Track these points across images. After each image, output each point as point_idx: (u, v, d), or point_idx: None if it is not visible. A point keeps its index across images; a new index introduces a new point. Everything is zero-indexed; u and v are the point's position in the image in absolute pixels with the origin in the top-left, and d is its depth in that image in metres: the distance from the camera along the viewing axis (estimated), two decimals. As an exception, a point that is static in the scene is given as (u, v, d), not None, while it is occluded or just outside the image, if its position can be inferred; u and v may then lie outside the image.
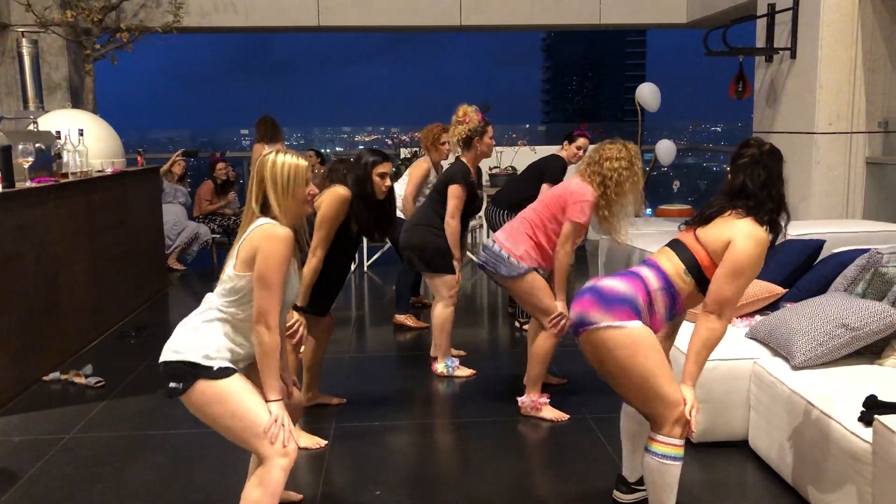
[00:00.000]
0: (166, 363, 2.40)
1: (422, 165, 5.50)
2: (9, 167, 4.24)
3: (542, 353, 3.79)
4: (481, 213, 6.22)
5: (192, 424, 3.62)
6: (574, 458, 3.43)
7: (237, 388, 2.36)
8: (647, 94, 8.04)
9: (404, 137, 9.36)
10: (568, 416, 3.82)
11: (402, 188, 5.59)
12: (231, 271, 2.41)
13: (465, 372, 4.49)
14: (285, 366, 2.62)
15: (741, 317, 3.82)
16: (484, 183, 6.90)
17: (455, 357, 4.59)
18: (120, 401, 4.18)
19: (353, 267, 7.65)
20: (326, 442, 3.55)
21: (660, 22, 8.84)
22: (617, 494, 2.92)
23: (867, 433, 2.51)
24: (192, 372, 2.35)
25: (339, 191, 3.49)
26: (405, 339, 5.37)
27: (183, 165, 8.09)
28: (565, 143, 5.29)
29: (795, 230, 4.30)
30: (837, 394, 2.79)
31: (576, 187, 3.69)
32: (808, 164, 5.51)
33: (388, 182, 3.64)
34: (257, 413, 2.35)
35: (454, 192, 4.35)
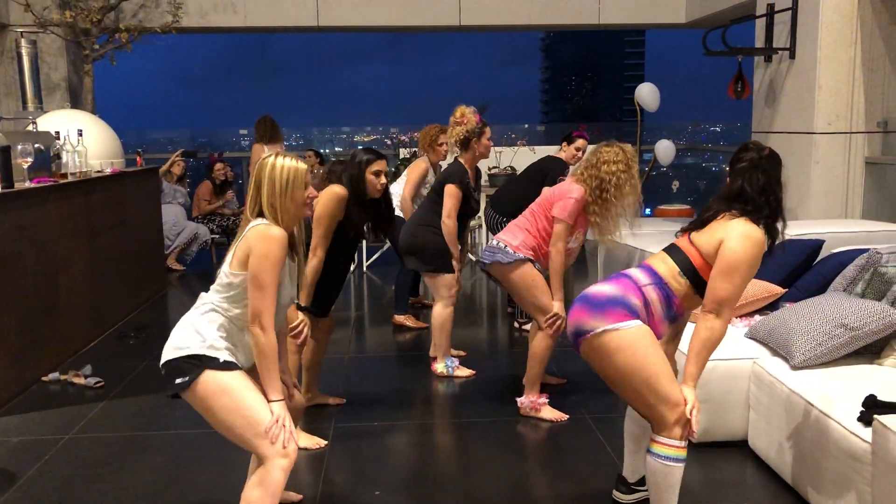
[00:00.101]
0: (169, 362, 2.39)
1: (420, 166, 5.50)
2: (8, 168, 4.24)
3: (540, 353, 3.80)
4: (480, 214, 6.22)
5: (192, 425, 3.63)
6: (573, 458, 3.43)
7: (240, 384, 2.37)
8: (647, 94, 8.04)
9: (403, 138, 9.34)
10: (567, 416, 3.82)
11: (401, 188, 5.60)
12: (227, 269, 2.43)
13: (465, 372, 4.50)
14: (285, 367, 2.62)
15: (740, 317, 3.82)
16: (483, 183, 6.91)
17: (455, 357, 4.59)
18: (119, 401, 4.17)
19: (352, 267, 7.66)
20: (326, 442, 3.55)
21: (659, 22, 8.84)
22: (617, 495, 2.92)
23: (866, 433, 2.51)
24: (197, 364, 2.34)
25: (335, 189, 3.51)
26: (404, 340, 5.37)
27: (182, 166, 8.09)
28: (564, 144, 5.29)
29: (794, 230, 4.30)
30: (837, 393, 2.79)
31: (564, 186, 3.76)
32: (807, 164, 5.51)
33: (382, 180, 3.64)
34: (259, 411, 2.35)
35: (450, 192, 4.36)
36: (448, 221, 4.37)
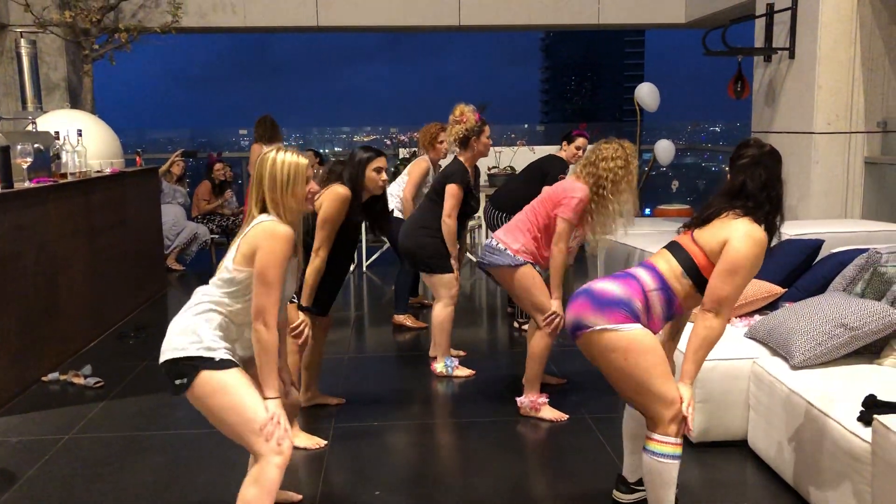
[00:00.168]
0: (167, 362, 2.40)
1: (421, 165, 5.50)
2: (7, 168, 4.24)
3: (539, 353, 3.80)
4: (480, 213, 6.23)
5: (192, 425, 3.63)
6: (573, 458, 3.43)
7: (236, 382, 2.38)
8: (646, 94, 8.04)
9: (403, 138, 9.34)
10: (567, 416, 3.82)
11: (399, 189, 5.60)
12: (230, 264, 2.42)
13: (465, 372, 4.50)
14: (283, 364, 2.63)
15: (740, 316, 3.82)
16: (483, 183, 6.91)
17: (454, 357, 4.59)
18: (119, 401, 4.17)
19: (352, 267, 7.66)
20: (326, 442, 3.55)
21: (658, 22, 8.84)
22: (616, 494, 2.92)
23: (866, 433, 2.51)
24: (193, 365, 2.36)
25: (339, 190, 3.51)
26: (404, 340, 5.37)
27: (182, 166, 8.09)
28: (564, 143, 5.29)
29: (794, 230, 4.30)
30: (836, 393, 2.79)
31: (567, 184, 3.74)
32: (806, 163, 5.51)
33: (384, 177, 3.67)
34: (254, 409, 2.36)
35: (451, 192, 4.36)
36: (448, 221, 4.38)
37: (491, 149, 4.71)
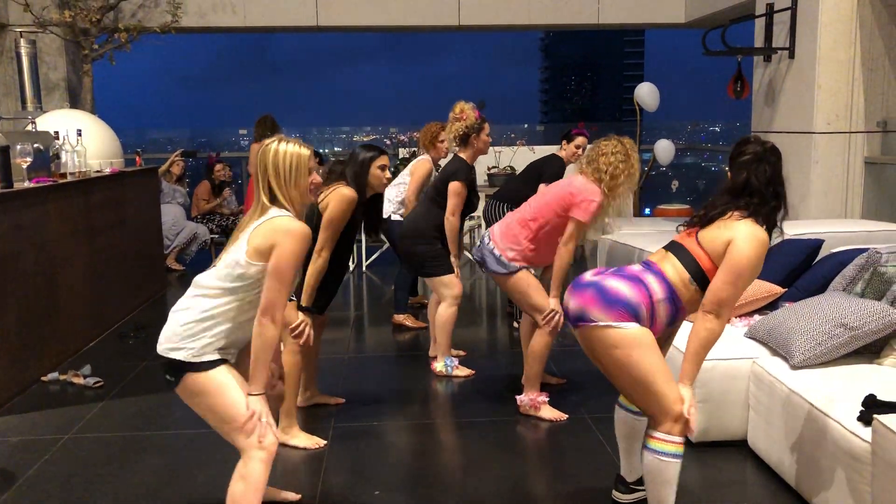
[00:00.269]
0: (161, 356, 2.46)
1: (424, 165, 5.48)
2: (7, 167, 4.23)
3: (539, 352, 3.80)
4: (479, 213, 6.22)
5: (192, 425, 3.63)
6: (573, 457, 3.43)
7: (220, 382, 2.41)
8: (646, 93, 8.04)
9: (403, 137, 9.35)
10: (567, 415, 3.82)
11: (397, 189, 5.61)
12: (242, 257, 2.40)
13: (464, 371, 4.50)
14: (276, 357, 2.66)
15: (740, 316, 3.82)
16: (482, 183, 6.91)
17: (454, 357, 4.59)
18: (118, 401, 4.17)
19: (351, 266, 7.66)
20: (325, 442, 3.55)
21: (658, 22, 8.84)
22: (616, 494, 2.92)
23: (866, 433, 2.51)
24: (181, 367, 2.42)
25: (345, 192, 3.50)
26: (404, 339, 5.37)
27: (182, 165, 8.09)
28: (563, 142, 5.28)
29: (794, 230, 4.30)
30: (836, 393, 2.79)
31: (582, 186, 3.67)
32: (806, 163, 5.51)
33: (388, 174, 3.69)
34: (236, 407, 2.40)
35: (455, 190, 4.36)
36: (452, 219, 4.38)
37: (491, 148, 4.72)
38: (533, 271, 3.84)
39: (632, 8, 8.70)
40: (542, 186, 4.91)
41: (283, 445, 3.30)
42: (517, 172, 6.65)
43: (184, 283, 7.30)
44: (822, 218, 5.39)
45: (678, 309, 2.58)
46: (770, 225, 2.56)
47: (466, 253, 7.62)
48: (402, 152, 8.44)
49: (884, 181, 5.47)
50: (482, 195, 6.33)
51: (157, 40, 8.23)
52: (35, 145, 4.74)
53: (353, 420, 3.85)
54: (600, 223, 3.74)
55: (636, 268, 2.63)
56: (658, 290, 2.54)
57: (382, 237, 7.04)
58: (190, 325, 2.42)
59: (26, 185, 4.50)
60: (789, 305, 3.46)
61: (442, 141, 5.43)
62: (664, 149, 8.19)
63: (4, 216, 4.10)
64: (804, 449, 2.86)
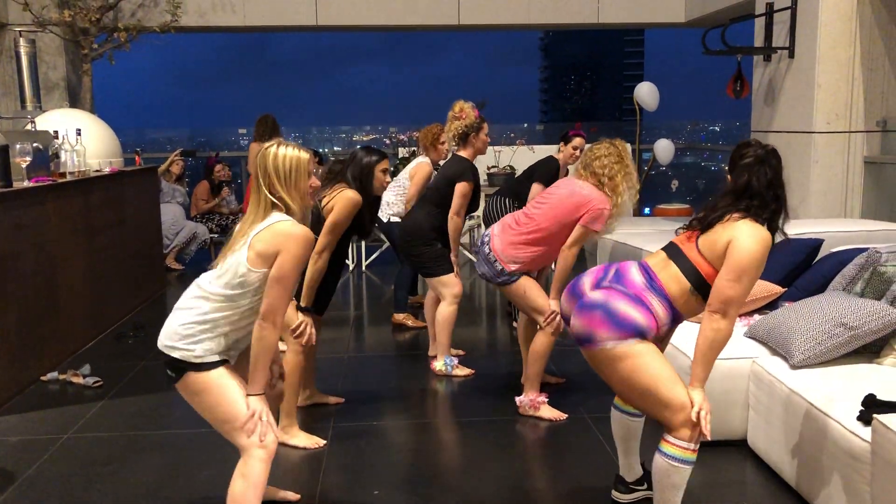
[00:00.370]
0: (162, 352, 2.47)
1: (425, 168, 5.47)
2: (6, 167, 4.23)
3: (541, 351, 3.79)
4: (479, 213, 6.22)
5: (192, 424, 3.63)
6: (572, 457, 3.43)
7: (220, 382, 2.42)
8: (646, 93, 8.04)
9: (402, 137, 9.33)
10: (566, 415, 3.82)
11: (395, 196, 5.61)
12: (243, 264, 2.40)
13: (464, 371, 4.50)
14: (276, 357, 2.67)
15: (740, 316, 3.82)
16: (482, 183, 6.89)
17: (454, 356, 4.59)
18: (118, 401, 4.17)
19: (351, 266, 7.66)
20: (325, 441, 3.55)
21: (658, 21, 8.84)
22: (615, 494, 2.92)
23: (866, 432, 2.50)
24: (182, 365, 2.43)
25: (350, 195, 3.51)
26: (404, 339, 5.37)
27: (181, 165, 8.09)
28: (561, 144, 5.28)
29: (794, 229, 4.29)
30: (836, 393, 2.79)
31: (591, 195, 3.66)
32: (806, 163, 5.51)
33: (388, 178, 3.72)
34: (236, 407, 2.41)
35: (462, 190, 4.37)
36: (456, 219, 4.40)
37: (491, 148, 4.72)
38: (532, 274, 3.85)
39: (631, 7, 8.70)
40: (535, 186, 4.92)
41: (282, 445, 3.30)
42: (517, 172, 6.64)
43: (183, 282, 7.30)
44: (822, 217, 5.39)
45: (679, 321, 2.63)
46: (771, 228, 2.55)
47: (466, 252, 7.62)
48: (402, 152, 8.44)
49: (883, 181, 5.47)
50: (482, 195, 6.33)
51: (157, 40, 8.23)
52: (34, 145, 4.73)
53: (352, 419, 3.85)
54: (608, 226, 3.74)
55: (638, 281, 2.57)
56: (662, 314, 2.54)
57: (382, 237, 7.05)
58: (189, 325, 2.43)
59: (26, 184, 4.50)
60: (789, 305, 3.46)
61: (443, 143, 5.43)
62: (664, 148, 8.18)
63: (4, 216, 4.10)
64: (804, 448, 2.86)
